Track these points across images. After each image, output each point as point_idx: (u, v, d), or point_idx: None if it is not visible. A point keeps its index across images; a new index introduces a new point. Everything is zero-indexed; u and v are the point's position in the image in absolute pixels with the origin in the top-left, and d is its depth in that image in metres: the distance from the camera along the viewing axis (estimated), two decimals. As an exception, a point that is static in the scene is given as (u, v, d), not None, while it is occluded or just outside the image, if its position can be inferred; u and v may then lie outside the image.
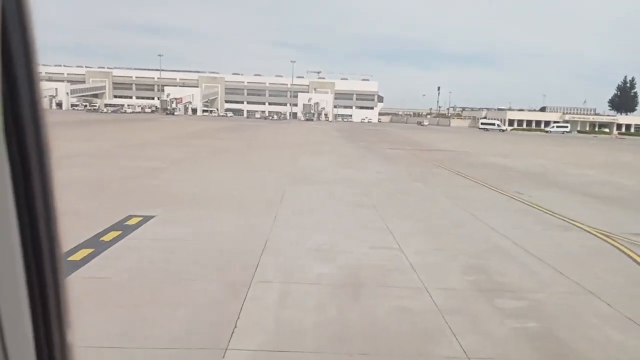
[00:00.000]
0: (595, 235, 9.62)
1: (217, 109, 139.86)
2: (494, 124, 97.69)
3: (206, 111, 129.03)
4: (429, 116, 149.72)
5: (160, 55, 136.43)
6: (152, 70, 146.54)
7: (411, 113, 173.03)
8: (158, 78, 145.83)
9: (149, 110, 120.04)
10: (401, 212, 10.93)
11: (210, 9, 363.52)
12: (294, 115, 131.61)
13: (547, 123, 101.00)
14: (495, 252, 8.15)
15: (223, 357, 4.25)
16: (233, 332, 4.68)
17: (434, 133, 67.14)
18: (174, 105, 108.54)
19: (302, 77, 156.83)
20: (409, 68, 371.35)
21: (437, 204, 12.18)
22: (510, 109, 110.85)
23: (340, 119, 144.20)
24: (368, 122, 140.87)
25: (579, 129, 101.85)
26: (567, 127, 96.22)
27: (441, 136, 56.59)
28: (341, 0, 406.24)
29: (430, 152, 30.09)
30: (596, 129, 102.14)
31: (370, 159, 23.54)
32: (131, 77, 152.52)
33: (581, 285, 6.57)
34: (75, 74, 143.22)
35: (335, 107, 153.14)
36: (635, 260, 7.98)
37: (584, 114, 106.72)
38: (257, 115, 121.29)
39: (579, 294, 6.28)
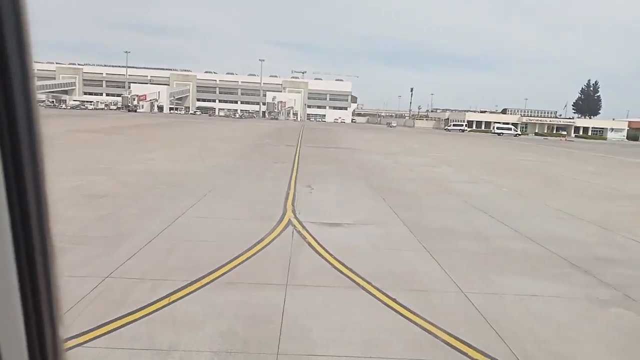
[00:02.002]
0: (287, 225, 9.51)
1: (189, 107, 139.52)
2: (510, 129, 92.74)
3: (174, 109, 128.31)
4: (406, 117, 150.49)
5: (127, 52, 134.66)
6: (124, 67, 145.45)
7: (394, 114, 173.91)
8: (130, 75, 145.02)
9: (114, 107, 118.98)
10: (116, 202, 10.78)
11: (197, 5, 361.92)
12: (264, 114, 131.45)
13: (505, 124, 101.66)
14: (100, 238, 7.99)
15: None
16: None
17: (380, 133, 67.28)
18: (135, 103, 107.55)
19: (276, 77, 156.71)
20: (394, 69, 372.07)
21: (177, 197, 11.98)
22: (470, 111, 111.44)
23: (313, 119, 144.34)
24: (341, 122, 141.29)
25: (536, 131, 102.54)
26: (462, 125, 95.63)
27: (375, 136, 56.66)
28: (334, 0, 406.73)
29: (322, 149, 30.04)
30: (554, 132, 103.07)
31: (234, 154, 23.39)
32: (102, 73, 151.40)
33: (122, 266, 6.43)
34: (46, 70, 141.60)
35: (309, 106, 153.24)
36: (262, 241, 7.90)
37: (542, 116, 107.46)
38: (222, 114, 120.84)
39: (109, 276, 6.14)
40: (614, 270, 7.74)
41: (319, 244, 8.23)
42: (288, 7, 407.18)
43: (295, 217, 10.14)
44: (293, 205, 11.51)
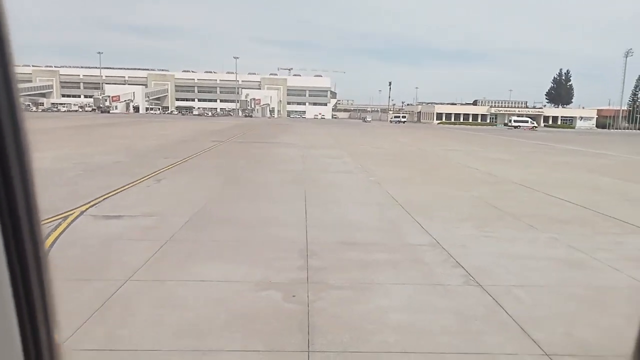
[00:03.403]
0: (60, 217, 9.41)
1: (167, 107, 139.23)
2: (527, 121, 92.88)
3: (150, 109, 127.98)
4: (390, 112, 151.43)
5: (100, 52, 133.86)
6: (101, 68, 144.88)
7: (378, 109, 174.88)
8: (107, 76, 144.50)
9: (89, 108, 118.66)
10: None
11: (180, 4, 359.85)
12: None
13: (474, 116, 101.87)
14: None
15: None
16: None
17: (342, 128, 67.54)
18: (107, 103, 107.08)
19: (254, 74, 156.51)
20: (382, 64, 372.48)
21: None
22: (439, 103, 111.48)
23: (293, 116, 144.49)
24: (321, 118, 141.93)
25: (505, 122, 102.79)
26: (399, 117, 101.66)
27: (330, 131, 56.75)
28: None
29: (249, 144, 30.03)
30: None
31: (138, 152, 23.34)
32: (79, 75, 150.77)
33: None
34: (22, 73, 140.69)
35: (289, 103, 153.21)
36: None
37: (511, 106, 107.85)
38: (195, 113, 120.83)
39: None
40: (342, 254, 7.66)
41: (59, 236, 8.13)
42: (274, 3, 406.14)
43: (85, 210, 10.03)
44: (106, 198, 11.40)
